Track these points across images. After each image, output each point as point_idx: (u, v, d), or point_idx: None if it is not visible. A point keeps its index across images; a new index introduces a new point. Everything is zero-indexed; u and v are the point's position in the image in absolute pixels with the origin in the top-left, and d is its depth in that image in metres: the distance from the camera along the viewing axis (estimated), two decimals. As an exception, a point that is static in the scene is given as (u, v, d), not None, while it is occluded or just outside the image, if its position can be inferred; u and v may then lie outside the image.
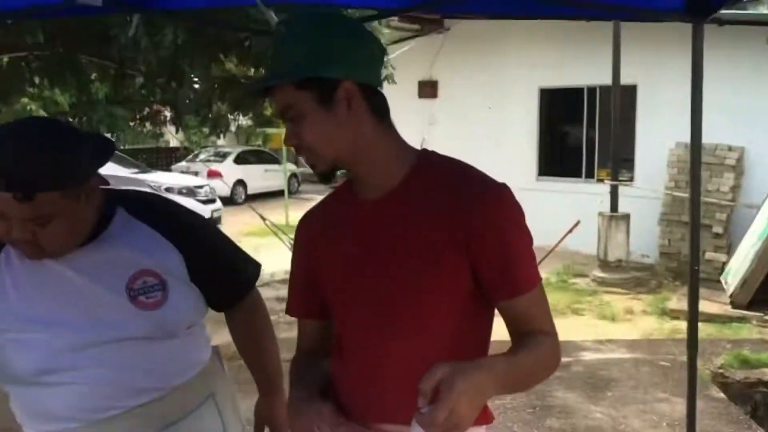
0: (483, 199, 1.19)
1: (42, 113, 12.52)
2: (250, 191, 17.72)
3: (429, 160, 1.28)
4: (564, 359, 5.07)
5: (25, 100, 10.99)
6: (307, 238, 1.38)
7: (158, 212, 1.54)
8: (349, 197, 1.31)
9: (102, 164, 1.44)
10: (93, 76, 7.63)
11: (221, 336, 1.73)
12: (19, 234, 1.31)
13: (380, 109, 1.24)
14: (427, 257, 1.20)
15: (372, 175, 1.25)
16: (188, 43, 4.86)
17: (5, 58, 6.65)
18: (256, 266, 1.70)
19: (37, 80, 6.96)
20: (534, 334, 1.23)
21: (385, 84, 8.17)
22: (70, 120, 11.67)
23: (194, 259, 1.51)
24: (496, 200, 1.20)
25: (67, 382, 1.39)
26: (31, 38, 4.70)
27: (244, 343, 1.70)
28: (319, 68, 1.16)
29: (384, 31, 8.42)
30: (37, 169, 1.27)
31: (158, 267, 1.46)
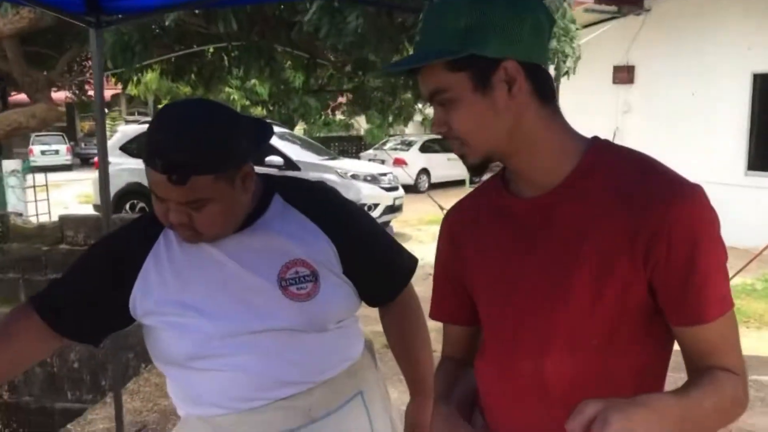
0: (671, 202, 0.98)
1: (245, 102, 13.50)
2: (433, 180, 17.86)
3: (603, 151, 1.07)
4: (767, 378, 4.48)
5: (228, 89, 11.90)
6: (453, 237, 1.23)
7: (315, 201, 1.49)
8: (503, 193, 1.14)
9: (258, 149, 1.41)
10: (287, 64, 8.01)
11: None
12: (175, 217, 1.31)
13: (545, 90, 1.05)
14: (595, 267, 1.01)
15: (532, 169, 1.08)
16: (371, 31, 4.89)
17: (211, 49, 7.18)
18: (413, 261, 1.60)
19: (234, 71, 7.43)
20: (715, 371, 1.01)
21: (574, 70, 7.69)
22: (270, 108, 12.48)
23: (348, 251, 1.44)
24: (687, 203, 0.98)
25: (216, 368, 1.38)
26: (224, 26, 4.98)
27: (395, 342, 1.62)
28: (476, 45, 0.99)
29: (574, 15, 8.01)
30: (192, 153, 1.25)
31: (311, 257, 1.40)
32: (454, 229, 1.24)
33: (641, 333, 1.04)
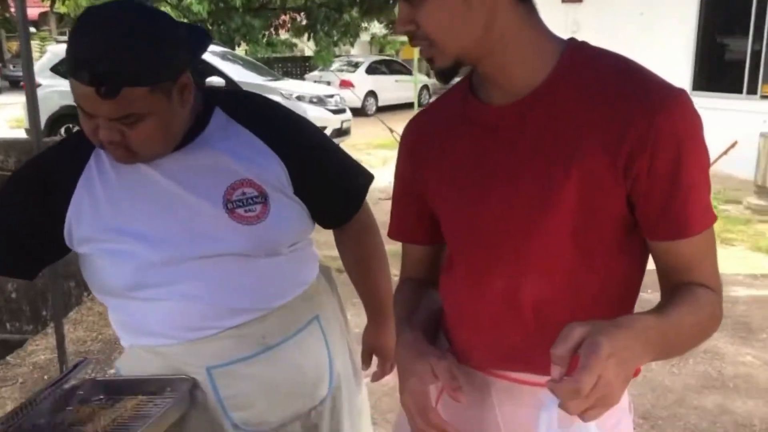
0: (655, 109, 0.90)
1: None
2: (381, 102, 17.58)
3: (581, 54, 0.98)
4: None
5: (162, 8, 11.28)
6: (413, 152, 1.14)
7: (260, 115, 1.37)
8: (470, 100, 1.04)
9: (196, 57, 1.28)
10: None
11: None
12: (106, 134, 1.18)
13: None
14: (575, 181, 0.94)
15: (505, 74, 0.98)
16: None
17: (143, -37, 6.71)
18: (368, 177, 1.49)
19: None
20: (693, 287, 0.96)
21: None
22: (209, 28, 11.91)
23: (298, 169, 1.33)
24: (672, 111, 0.91)
25: (160, 298, 1.28)
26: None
27: (352, 265, 1.54)
28: None
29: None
30: (123, 61, 1.11)
31: (259, 177, 1.30)
32: (414, 144, 1.14)
33: (617, 249, 0.99)
